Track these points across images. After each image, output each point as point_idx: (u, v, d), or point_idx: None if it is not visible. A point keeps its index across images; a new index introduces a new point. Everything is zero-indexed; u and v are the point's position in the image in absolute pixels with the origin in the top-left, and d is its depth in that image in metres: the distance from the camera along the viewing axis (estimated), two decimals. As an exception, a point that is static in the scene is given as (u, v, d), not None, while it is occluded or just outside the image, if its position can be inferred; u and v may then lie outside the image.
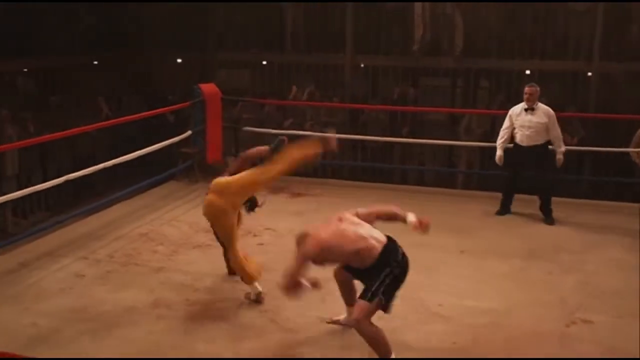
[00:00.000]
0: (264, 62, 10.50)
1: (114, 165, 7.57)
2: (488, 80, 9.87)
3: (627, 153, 7.64)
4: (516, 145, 7.03)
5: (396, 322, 4.64)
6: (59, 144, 8.58)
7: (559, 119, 6.99)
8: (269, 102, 9.77)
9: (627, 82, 9.31)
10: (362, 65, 9.99)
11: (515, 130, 6.98)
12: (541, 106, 6.93)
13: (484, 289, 5.25)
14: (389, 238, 4.19)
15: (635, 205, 7.31)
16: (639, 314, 4.74)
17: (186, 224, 6.68)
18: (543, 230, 6.82)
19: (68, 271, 5.44)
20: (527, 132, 6.89)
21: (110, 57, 10.20)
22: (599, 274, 5.60)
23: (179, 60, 10.83)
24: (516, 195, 7.33)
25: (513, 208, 7.32)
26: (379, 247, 4.06)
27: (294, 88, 9.78)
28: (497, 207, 7.33)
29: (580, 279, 5.47)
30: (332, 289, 4.62)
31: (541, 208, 7.13)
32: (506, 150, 7.08)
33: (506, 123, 7.07)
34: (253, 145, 9.65)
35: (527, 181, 7.27)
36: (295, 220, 6.84)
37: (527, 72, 9.38)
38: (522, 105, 6.94)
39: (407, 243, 6.02)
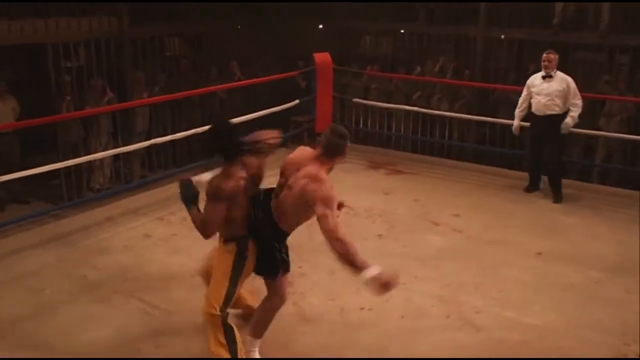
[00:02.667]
0: (402, 31, 10.16)
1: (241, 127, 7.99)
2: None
3: None
4: (532, 114, 6.83)
5: (420, 322, 4.40)
6: (190, 105, 9.11)
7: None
8: (379, 75, 9.58)
9: None
10: (503, 37, 9.25)
11: (532, 99, 6.78)
12: (559, 74, 6.69)
13: (538, 300, 4.73)
14: None
15: None
16: None
17: (270, 194, 6.80)
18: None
19: (140, 230, 5.84)
20: (543, 100, 6.67)
21: (253, 22, 10.50)
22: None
23: (320, 27, 10.88)
24: (620, 192, 7.16)
25: (618, 208, 6.72)
26: None
27: (429, 63, 9.41)
28: (623, 208, 6.73)
29: (662, 304, 4.71)
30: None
31: (550, 185, 6.96)
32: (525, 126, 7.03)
33: (524, 92, 6.91)
34: (360, 117, 9.62)
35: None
36: (379, 200, 6.69)
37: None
38: (541, 73, 6.74)
39: (482, 240, 5.72)
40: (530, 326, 4.39)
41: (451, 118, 9.00)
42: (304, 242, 5.60)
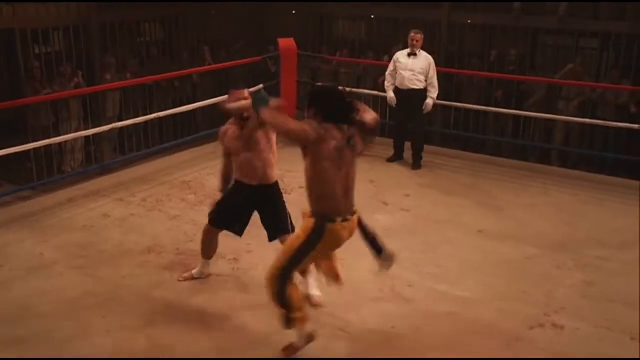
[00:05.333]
0: (372, 16, 10.34)
1: (211, 111, 8.31)
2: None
3: None
4: (396, 89, 7.42)
5: (353, 295, 4.62)
6: (161, 89, 9.30)
7: None
8: (335, 59, 9.76)
9: None
10: (469, 22, 9.42)
11: (397, 74, 7.37)
12: (423, 53, 7.33)
13: (471, 275, 4.97)
14: None
15: None
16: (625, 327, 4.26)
17: (230, 175, 7.02)
18: (595, 216, 6.21)
19: (99, 211, 6.05)
20: (407, 75, 7.28)
21: (228, 7, 10.65)
22: (618, 276, 5.02)
23: (294, 12, 11.04)
24: (576, 174, 7.47)
25: (569, 190, 6.96)
26: None
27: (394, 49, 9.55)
28: (574, 189, 6.97)
29: (588, 279, 4.95)
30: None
31: (413, 153, 7.54)
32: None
33: (390, 67, 7.49)
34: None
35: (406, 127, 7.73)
36: (334, 182, 6.88)
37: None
38: (407, 50, 7.35)
39: (428, 219, 5.94)
40: (459, 299, 4.63)
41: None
42: (256, 220, 5.86)
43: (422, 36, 7.35)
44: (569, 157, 8.63)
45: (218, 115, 9.53)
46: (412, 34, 7.31)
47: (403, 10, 9.69)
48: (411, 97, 7.31)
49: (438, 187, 6.89)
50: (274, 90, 8.68)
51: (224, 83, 10.11)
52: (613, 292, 4.76)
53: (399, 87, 7.39)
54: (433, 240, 5.57)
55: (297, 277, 4.02)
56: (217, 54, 10.21)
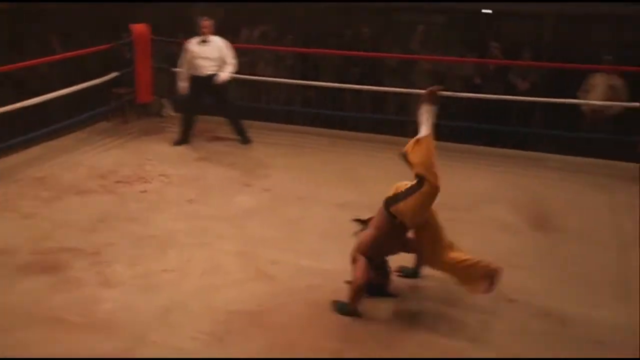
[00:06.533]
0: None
1: (65, 103, 7.97)
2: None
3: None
4: (194, 76, 7.44)
5: (218, 278, 4.68)
6: (7, 83, 8.79)
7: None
8: None
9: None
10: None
11: (193, 62, 7.39)
12: (215, 38, 7.44)
13: (333, 248, 5.08)
14: None
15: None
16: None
17: (86, 167, 6.80)
18: (449, 182, 6.58)
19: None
20: (202, 63, 7.36)
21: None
22: (463, 235, 5.38)
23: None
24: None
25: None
26: None
27: (244, 31, 9.61)
28: (455, 162, 7.13)
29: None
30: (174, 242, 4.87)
31: (235, 131, 7.66)
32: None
33: (186, 56, 7.47)
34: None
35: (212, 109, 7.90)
36: (195, 167, 6.91)
37: (488, 11, 8.85)
38: (198, 38, 7.42)
39: (288, 197, 6.06)
40: (321, 271, 4.79)
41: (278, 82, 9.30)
42: (116, 211, 5.76)
43: (212, 22, 7.42)
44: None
45: (73, 106, 9.19)
46: (201, 22, 7.42)
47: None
48: (209, 82, 7.34)
49: (300, 165, 7.04)
50: (129, 77, 8.47)
51: (77, 73, 9.71)
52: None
53: (195, 74, 7.41)
54: (293, 217, 5.70)
55: None
56: (69, 43, 9.77)
